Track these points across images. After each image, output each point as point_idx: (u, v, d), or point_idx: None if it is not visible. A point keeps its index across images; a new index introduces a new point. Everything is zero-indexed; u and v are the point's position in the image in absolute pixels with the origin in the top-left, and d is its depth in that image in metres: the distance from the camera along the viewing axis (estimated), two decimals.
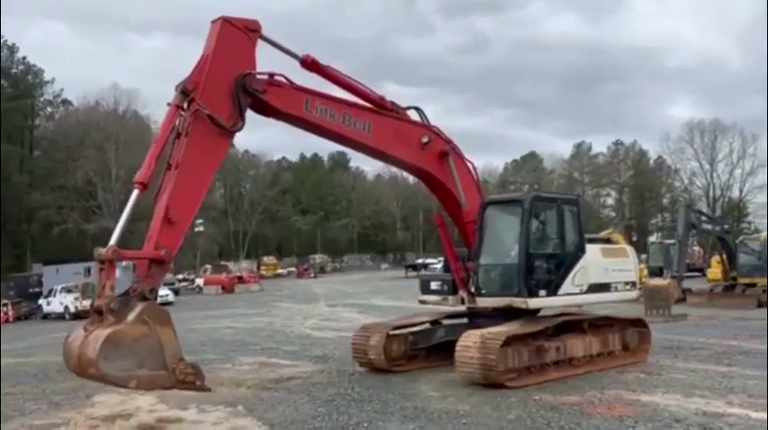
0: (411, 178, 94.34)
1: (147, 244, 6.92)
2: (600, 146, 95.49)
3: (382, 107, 9.63)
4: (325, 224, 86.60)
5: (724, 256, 23.65)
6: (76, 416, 8.26)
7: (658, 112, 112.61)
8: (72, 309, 29.97)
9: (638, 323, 11.49)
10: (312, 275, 65.39)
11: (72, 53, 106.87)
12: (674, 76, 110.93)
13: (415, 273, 54.65)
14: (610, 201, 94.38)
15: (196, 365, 6.77)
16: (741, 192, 78.98)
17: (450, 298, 10.65)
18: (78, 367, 6.33)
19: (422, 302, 11.44)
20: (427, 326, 11.21)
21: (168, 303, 34.21)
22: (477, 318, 10.50)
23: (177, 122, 7.36)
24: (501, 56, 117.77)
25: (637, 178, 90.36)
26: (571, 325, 10.35)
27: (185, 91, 7.38)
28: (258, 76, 8.03)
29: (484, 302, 10.22)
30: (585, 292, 10.50)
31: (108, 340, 6.06)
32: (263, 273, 65.71)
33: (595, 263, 10.68)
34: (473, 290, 10.19)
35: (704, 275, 31.53)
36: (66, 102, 68.10)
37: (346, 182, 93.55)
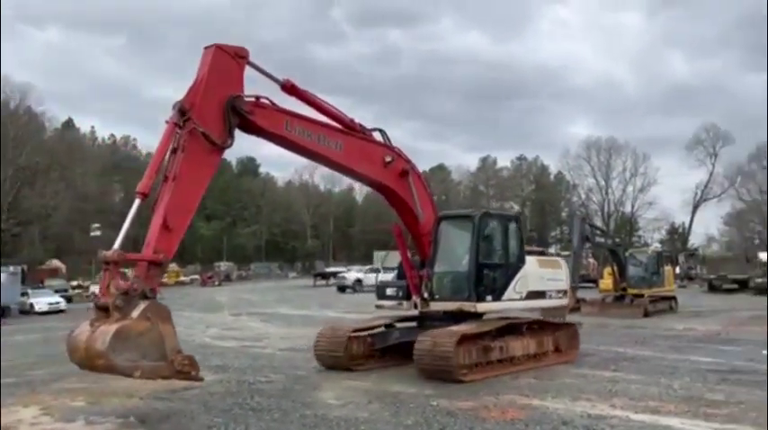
0: (322, 185, 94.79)
1: (145, 248, 7.62)
2: (504, 160, 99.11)
3: (351, 128, 10.55)
4: (231, 231, 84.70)
5: (615, 268, 24.85)
6: None
7: (559, 130, 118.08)
8: None
9: (569, 327, 12.69)
10: (217, 283, 63.64)
11: None
12: (575, 96, 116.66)
13: (324, 282, 54.42)
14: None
15: (192, 357, 7.46)
16: (633, 207, 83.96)
17: (405, 303, 11.61)
18: (85, 359, 6.97)
19: (378, 307, 12.33)
20: (383, 328, 11.99)
21: (59, 311, 32.40)
22: (427, 321, 11.42)
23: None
24: (411, 68, 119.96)
25: (538, 192, 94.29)
26: (512, 327, 11.40)
27: (183, 110, 8.05)
28: (246, 99, 8.80)
29: (437, 306, 11.23)
30: (525, 299, 11.84)
31: (117, 334, 6.72)
32: (165, 280, 62.98)
33: (533, 272, 12.06)
34: (426, 295, 11.20)
35: (597, 286, 33.17)
36: None
37: (255, 187, 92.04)
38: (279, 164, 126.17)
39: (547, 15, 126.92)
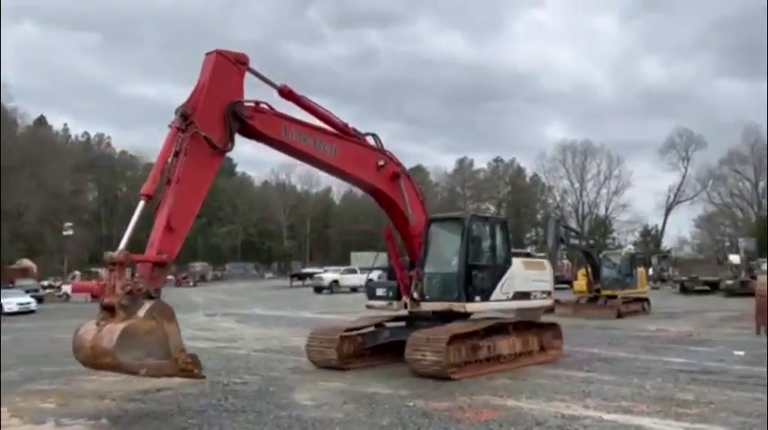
0: (299, 186, 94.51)
1: (149, 249, 7.76)
2: (481, 162, 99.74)
3: (346, 133, 10.76)
4: (206, 230, 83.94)
5: (589, 270, 25.10)
6: None
7: (535, 132, 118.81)
8: None
9: (552, 327, 13.10)
10: (191, 284, 63.09)
11: None
12: (550, 99, 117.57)
13: (300, 283, 54.21)
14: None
15: (195, 355, 7.67)
16: (607, 210, 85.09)
17: (395, 303, 11.85)
18: (91, 357, 7.15)
19: (369, 307, 12.54)
20: (373, 328, 12.21)
21: (30, 311, 31.83)
22: (416, 321, 11.69)
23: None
24: (389, 70, 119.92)
25: (514, 194, 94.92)
26: (499, 327, 11.73)
27: (185, 115, 8.23)
28: (246, 104, 8.98)
29: (427, 306, 11.48)
30: (511, 299, 12.17)
31: (124, 333, 6.90)
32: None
33: (519, 274, 12.39)
34: (416, 295, 11.42)
35: (571, 287, 33.48)
36: None
37: (231, 187, 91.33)
38: (255, 163, 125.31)
39: (524, 18, 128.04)
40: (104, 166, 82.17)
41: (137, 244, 7.82)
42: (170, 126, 8.29)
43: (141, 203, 7.94)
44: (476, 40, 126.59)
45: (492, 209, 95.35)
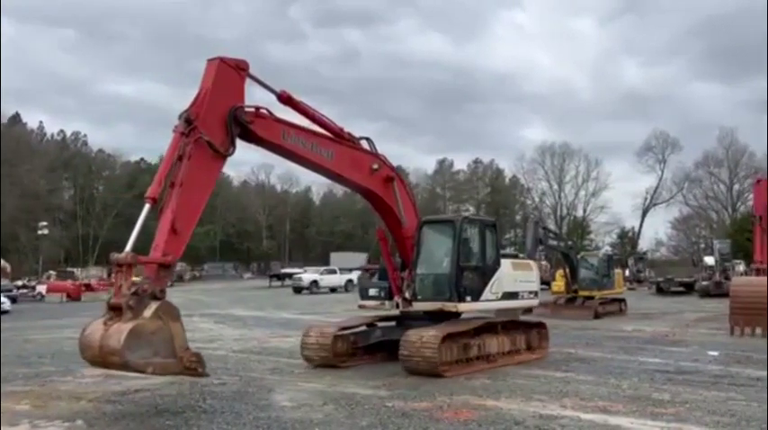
0: (278, 186, 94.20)
1: (154, 251, 7.96)
2: (461, 163, 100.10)
3: (341, 137, 11.02)
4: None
5: (567, 271, 25.34)
6: None
7: (514, 134, 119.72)
8: None
9: (539, 326, 13.46)
10: (169, 284, 62.22)
11: None
12: (530, 101, 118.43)
13: (279, 283, 53.97)
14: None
15: (199, 354, 7.95)
16: (585, 211, 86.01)
17: (387, 302, 12.12)
18: (99, 356, 7.31)
19: (361, 307, 12.80)
20: (365, 328, 12.49)
21: (4, 312, 31.30)
22: (407, 320, 11.93)
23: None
24: (371, 70, 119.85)
25: (493, 195, 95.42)
26: (488, 326, 12.05)
27: (188, 120, 8.45)
28: (246, 109, 9.19)
29: (419, 306, 11.73)
30: (500, 299, 12.48)
31: (132, 332, 7.09)
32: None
33: (508, 274, 12.72)
34: (408, 296, 11.69)
35: (549, 288, 33.74)
36: None
37: None
38: (234, 163, 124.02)
39: (504, 20, 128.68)
40: (80, 165, 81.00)
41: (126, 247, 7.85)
42: (174, 131, 8.52)
43: (146, 206, 8.13)
44: (457, 41, 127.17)
45: (471, 210, 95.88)
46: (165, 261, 7.96)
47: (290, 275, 52.07)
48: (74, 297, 43.45)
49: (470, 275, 11.79)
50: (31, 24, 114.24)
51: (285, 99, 10.28)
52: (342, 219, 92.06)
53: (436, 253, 12.30)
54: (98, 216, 77.34)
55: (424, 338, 10.61)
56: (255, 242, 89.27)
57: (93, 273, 61.18)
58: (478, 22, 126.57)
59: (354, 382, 10.24)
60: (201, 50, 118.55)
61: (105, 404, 8.87)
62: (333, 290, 46.32)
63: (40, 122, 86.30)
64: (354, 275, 50.65)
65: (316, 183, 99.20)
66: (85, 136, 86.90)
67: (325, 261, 66.53)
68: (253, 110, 9.35)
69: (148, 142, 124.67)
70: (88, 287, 46.75)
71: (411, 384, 10.04)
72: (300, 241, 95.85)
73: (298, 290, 44.96)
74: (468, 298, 11.69)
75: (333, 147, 10.76)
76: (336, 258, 64.25)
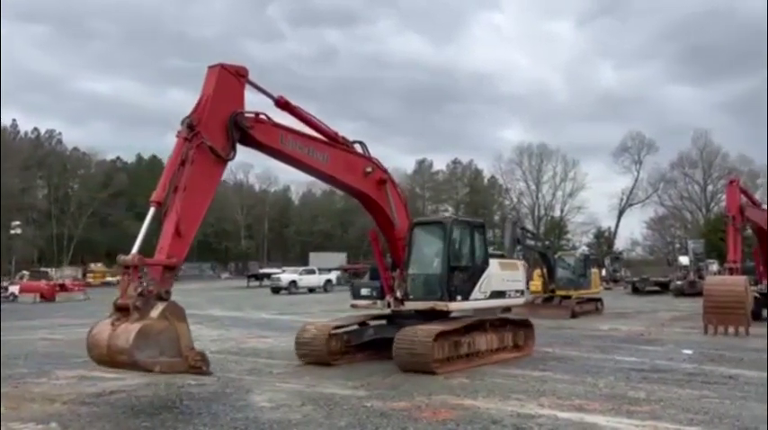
0: (257, 185, 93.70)
1: (159, 254, 8.16)
2: (440, 163, 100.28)
3: (336, 141, 11.33)
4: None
5: (544, 270, 25.54)
6: None
7: (492, 134, 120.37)
8: None
9: (526, 324, 13.77)
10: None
11: None
12: (508, 102, 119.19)
13: (257, 283, 53.66)
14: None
15: (204, 353, 8.22)
16: (562, 211, 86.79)
17: (379, 302, 12.41)
18: (106, 355, 7.52)
19: (353, 306, 13.07)
20: (357, 326, 12.75)
21: None
22: (398, 319, 12.23)
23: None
24: (349, 69, 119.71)
25: (472, 195, 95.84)
26: (476, 324, 12.34)
27: (191, 125, 8.65)
28: (246, 115, 9.42)
29: (411, 305, 12.05)
30: (488, 298, 12.81)
31: (140, 332, 7.31)
32: (90, 280, 61.02)
33: (496, 274, 13.08)
34: (399, 295, 12.01)
35: (527, 287, 33.91)
36: None
37: None
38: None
39: (482, 21, 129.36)
40: (55, 163, 79.79)
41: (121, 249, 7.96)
42: (177, 136, 8.73)
43: (152, 210, 8.36)
44: (435, 41, 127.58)
45: (450, 210, 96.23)
46: (170, 263, 8.17)
47: (268, 275, 51.74)
48: (48, 297, 42.76)
49: (460, 275, 12.11)
50: (4, 20, 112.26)
51: (282, 104, 10.56)
52: (321, 219, 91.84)
53: (427, 253, 12.64)
54: (73, 215, 76.26)
55: (417, 336, 10.90)
56: (233, 242, 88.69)
57: (67, 274, 60.24)
58: (457, 23, 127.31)
59: (333, 383, 10.23)
60: (178, 48, 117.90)
61: (80, 406, 8.75)
62: (311, 290, 46.19)
63: (14, 120, 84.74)
64: (333, 275, 50.59)
65: (295, 183, 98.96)
66: (60, 134, 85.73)
67: (303, 261, 66.35)
68: (252, 115, 9.57)
69: (124, 140, 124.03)
70: (62, 287, 45.98)
71: (390, 384, 10.06)
72: (279, 241, 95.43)
73: (276, 290, 44.70)
74: (459, 297, 12.03)
75: (328, 150, 11.04)
76: (315, 258, 64.08)
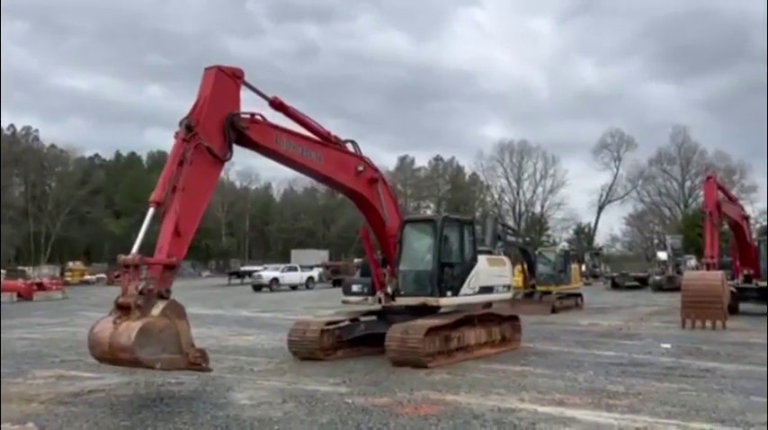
0: (238, 183, 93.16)
1: (158, 253, 8.28)
2: (422, 160, 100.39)
3: (328, 140, 11.47)
4: (140, 228, 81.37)
5: (525, 266, 25.63)
6: None
7: (473, 131, 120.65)
8: None
9: (513, 319, 14.10)
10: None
11: None
12: (489, 99, 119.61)
13: (239, 281, 53.31)
14: (429, 212, 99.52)
15: (203, 350, 8.36)
16: (542, 208, 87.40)
17: (370, 298, 12.70)
18: (108, 353, 7.65)
19: (344, 302, 13.30)
20: (348, 322, 12.80)
21: None
22: (389, 315, 12.49)
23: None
24: (330, 66, 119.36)
25: (454, 192, 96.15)
26: (465, 319, 12.55)
27: (189, 126, 8.78)
28: (242, 115, 9.59)
29: (402, 301, 12.32)
30: (477, 293, 13.06)
31: (142, 330, 7.45)
32: (68, 279, 60.33)
33: (484, 270, 13.36)
34: (390, 291, 12.27)
35: None
36: None
37: None
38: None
39: (463, 18, 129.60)
40: (32, 161, 78.67)
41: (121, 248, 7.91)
42: (175, 137, 8.86)
43: (151, 210, 8.48)
44: (416, 38, 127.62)
45: (432, 207, 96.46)
46: (170, 262, 8.30)
47: (249, 273, 51.42)
48: (25, 296, 42.22)
49: (451, 271, 12.37)
50: None
51: (277, 105, 10.74)
52: (303, 216, 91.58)
53: (418, 250, 12.90)
54: (50, 213, 75.25)
55: (409, 331, 11.12)
56: (214, 239, 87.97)
57: (45, 272, 59.37)
58: (438, 20, 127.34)
59: (314, 379, 10.21)
60: (157, 44, 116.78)
61: (58, 405, 8.64)
62: (293, 287, 46.05)
63: None
64: (316, 272, 50.46)
65: (276, 180, 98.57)
66: (37, 131, 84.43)
67: (285, 258, 66.14)
68: (248, 116, 9.72)
69: (103, 137, 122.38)
70: (40, 286, 45.39)
71: (371, 380, 10.07)
72: (260, 238, 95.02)
73: (257, 288, 44.47)
74: (449, 293, 12.29)
75: (321, 150, 11.21)
76: (297, 255, 63.94)
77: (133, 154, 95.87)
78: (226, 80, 9.49)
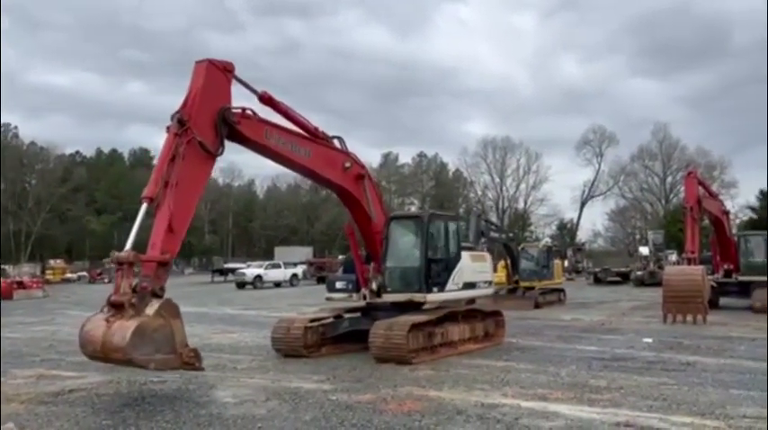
0: (220, 180, 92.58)
1: (151, 250, 8.14)
2: (406, 157, 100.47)
3: (316, 136, 11.43)
4: (123, 225, 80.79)
5: (508, 262, 25.77)
6: None
7: (457, 128, 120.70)
8: None
9: (496, 314, 14.12)
10: (107, 281, 60.38)
11: None
12: (473, 95, 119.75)
13: (222, 278, 53.05)
14: (413, 209, 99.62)
15: (197, 350, 8.29)
16: (526, 204, 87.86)
17: (354, 295, 12.68)
18: (101, 352, 7.57)
19: (328, 299, 13.26)
20: (332, 319, 12.82)
21: None
22: (373, 311, 12.46)
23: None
24: (312, 62, 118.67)
25: (438, 188, 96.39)
26: (449, 315, 12.60)
27: (181, 121, 8.68)
28: (234, 110, 9.49)
29: (389, 298, 12.30)
30: (461, 289, 13.15)
31: (137, 330, 7.34)
32: (49, 277, 59.66)
33: (467, 266, 13.46)
34: (374, 287, 12.23)
35: None
36: None
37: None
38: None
39: (447, 14, 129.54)
40: (11, 158, 77.60)
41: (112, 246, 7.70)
42: (167, 131, 8.74)
43: (143, 206, 8.35)
44: (400, 34, 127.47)
45: (416, 203, 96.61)
46: (164, 259, 8.16)
47: (233, 270, 51.15)
48: (5, 295, 41.69)
49: (436, 268, 12.47)
50: None
51: (266, 100, 10.63)
52: (286, 213, 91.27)
53: (405, 247, 12.91)
54: (31, 211, 74.35)
55: (393, 327, 11.17)
56: (197, 237, 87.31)
57: (25, 270, 58.62)
58: (421, 16, 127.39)
59: (298, 377, 10.19)
60: (138, 39, 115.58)
61: (38, 405, 8.54)
62: (277, 284, 45.90)
63: None
64: (299, 270, 50.33)
65: (259, 177, 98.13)
66: (16, 128, 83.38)
67: (269, 255, 65.85)
68: (239, 110, 9.62)
69: (83, 134, 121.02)
70: (20, 285, 44.82)
71: (355, 377, 10.07)
72: (244, 235, 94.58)
73: (241, 285, 44.29)
74: (435, 289, 12.37)
75: (309, 145, 11.17)
76: (281, 252, 63.68)
77: (114, 151, 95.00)
78: (217, 74, 9.38)
